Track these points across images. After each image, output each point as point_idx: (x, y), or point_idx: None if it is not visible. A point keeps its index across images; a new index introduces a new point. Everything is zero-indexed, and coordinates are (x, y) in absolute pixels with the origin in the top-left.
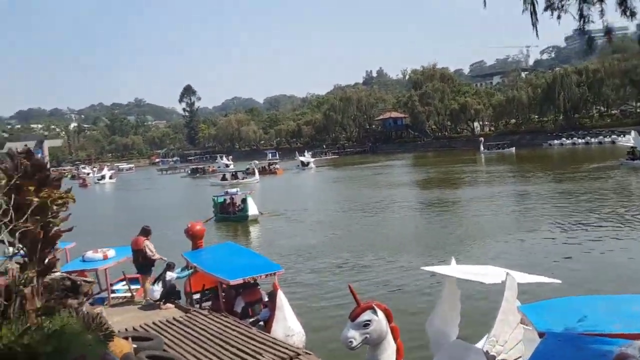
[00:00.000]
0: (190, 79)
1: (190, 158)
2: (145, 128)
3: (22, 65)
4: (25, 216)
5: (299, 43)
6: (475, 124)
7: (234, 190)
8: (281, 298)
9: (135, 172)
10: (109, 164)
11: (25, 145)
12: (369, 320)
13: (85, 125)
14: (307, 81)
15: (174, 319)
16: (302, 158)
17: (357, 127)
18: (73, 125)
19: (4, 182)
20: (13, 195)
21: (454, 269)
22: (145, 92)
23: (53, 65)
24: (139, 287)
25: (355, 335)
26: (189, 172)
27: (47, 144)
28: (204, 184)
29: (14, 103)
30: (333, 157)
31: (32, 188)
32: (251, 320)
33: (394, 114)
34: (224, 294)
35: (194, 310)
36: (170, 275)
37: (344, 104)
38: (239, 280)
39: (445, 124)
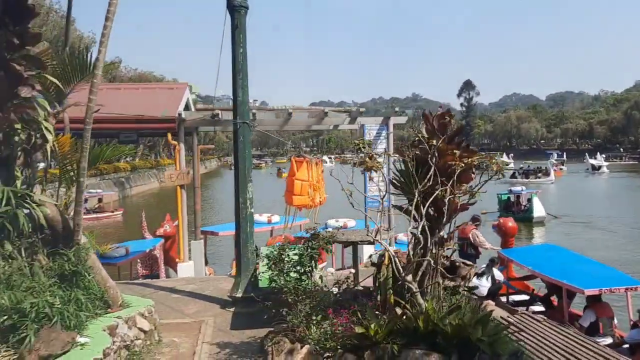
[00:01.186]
0: (466, 75)
1: None
2: None
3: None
4: (451, 182)
5: (587, 36)
6: None
7: (518, 188)
8: None
9: None
10: None
11: (441, 107)
12: None
13: None
14: (599, 77)
15: (501, 318)
16: (593, 161)
17: None
18: None
19: (433, 142)
20: (435, 159)
21: None
22: (423, 88)
23: (341, 64)
24: None
25: None
26: None
27: (392, 120)
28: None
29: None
30: (632, 162)
31: (456, 152)
32: (606, 341)
33: None
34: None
35: (523, 313)
36: (497, 272)
37: None
38: (595, 291)
39: None
